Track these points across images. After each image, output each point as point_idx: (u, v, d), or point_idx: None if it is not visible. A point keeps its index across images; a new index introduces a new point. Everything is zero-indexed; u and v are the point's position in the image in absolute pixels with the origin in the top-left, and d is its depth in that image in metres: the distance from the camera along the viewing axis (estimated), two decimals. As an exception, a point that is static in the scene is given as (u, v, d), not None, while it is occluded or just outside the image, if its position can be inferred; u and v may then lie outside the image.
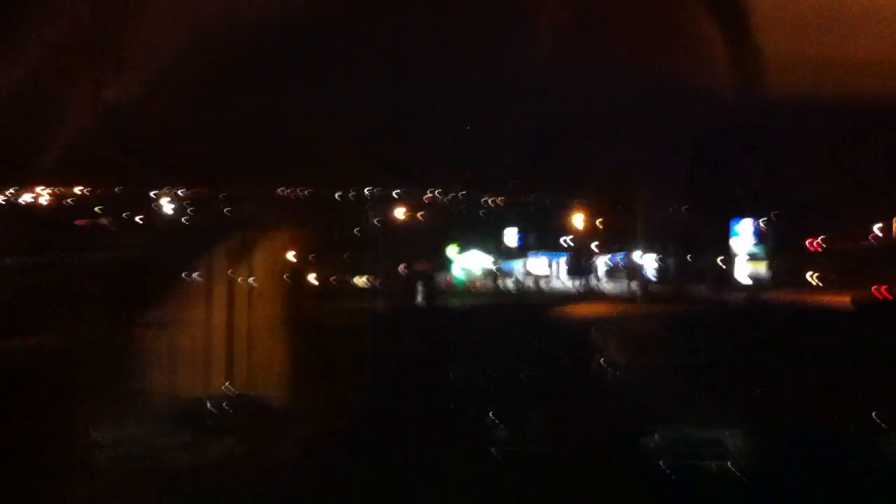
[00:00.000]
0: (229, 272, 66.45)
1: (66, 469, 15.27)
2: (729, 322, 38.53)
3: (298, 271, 70.90)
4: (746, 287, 62.86)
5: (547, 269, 75.82)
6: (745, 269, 67.28)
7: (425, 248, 74.90)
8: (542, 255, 77.09)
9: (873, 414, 14.36)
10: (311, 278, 67.25)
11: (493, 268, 71.70)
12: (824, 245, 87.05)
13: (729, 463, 14.25)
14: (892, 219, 79.53)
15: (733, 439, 14.44)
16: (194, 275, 66.82)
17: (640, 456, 14.59)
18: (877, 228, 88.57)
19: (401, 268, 70.39)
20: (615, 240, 75.04)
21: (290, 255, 78.92)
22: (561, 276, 74.59)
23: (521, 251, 77.42)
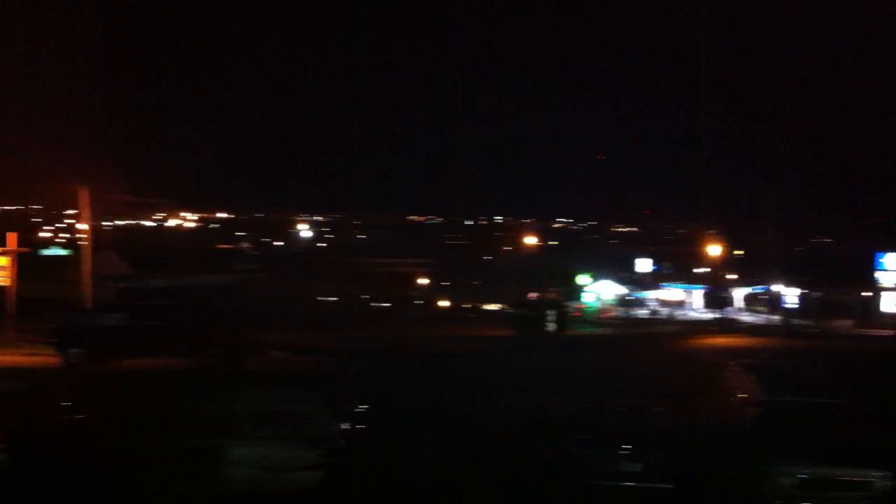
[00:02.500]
0: (362, 296, 67.05)
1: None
2: (879, 360, 36.68)
3: (430, 296, 71.44)
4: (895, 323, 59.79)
5: (682, 299, 74.26)
6: (893, 304, 64.08)
7: (556, 275, 74.67)
8: (676, 285, 75.60)
9: None
10: (443, 303, 67.91)
11: (626, 297, 70.72)
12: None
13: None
14: None
15: (882, 482, 13.70)
16: (330, 298, 67.74)
17: (777, 496, 14.01)
18: None
19: (532, 295, 70.31)
20: (754, 271, 72.91)
21: (423, 280, 79.37)
22: (697, 306, 72.92)
23: (655, 280, 76.14)
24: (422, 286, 77.58)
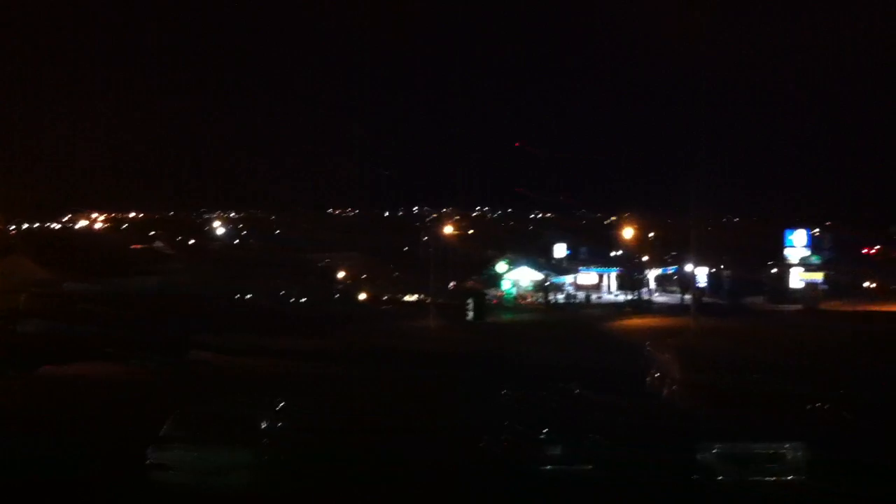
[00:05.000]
0: (281, 293, 66.22)
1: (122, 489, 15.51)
2: (787, 334, 37.87)
3: (349, 290, 70.96)
4: (804, 298, 61.84)
5: (597, 282, 75.45)
6: (800, 279, 66.26)
7: (475, 264, 75.00)
8: (592, 269, 76.79)
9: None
10: (362, 297, 67.53)
11: (543, 282, 71.54)
12: (884, 253, 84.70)
13: (789, 477, 13.99)
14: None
15: (794, 453, 14.18)
16: (247, 296, 66.70)
17: (698, 471, 14.38)
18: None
19: (451, 285, 70.52)
20: (666, 252, 74.50)
21: (341, 275, 78.70)
22: (612, 289, 74.17)
23: (571, 265, 77.20)
24: (341, 280, 77.17)
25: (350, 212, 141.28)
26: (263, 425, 17.41)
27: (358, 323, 48.64)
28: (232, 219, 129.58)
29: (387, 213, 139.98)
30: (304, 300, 64.10)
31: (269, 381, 26.20)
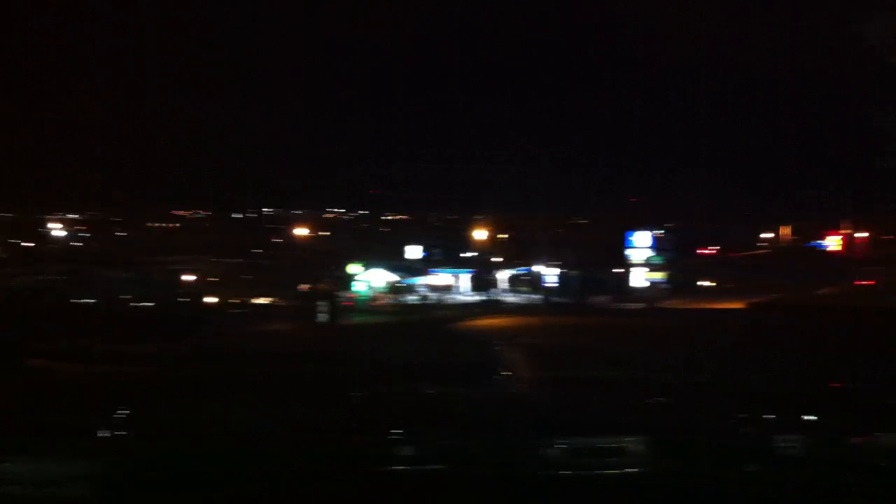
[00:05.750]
0: (124, 297, 63.87)
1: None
2: (633, 331, 39.31)
3: (197, 293, 69.06)
4: (647, 296, 64.36)
5: (450, 283, 76.19)
6: (644, 278, 68.94)
7: (327, 265, 74.33)
8: (445, 270, 77.48)
9: (764, 416, 14.74)
10: (211, 300, 65.88)
11: (397, 283, 71.63)
12: (719, 253, 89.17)
13: (629, 470, 14.40)
14: (781, 226, 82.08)
15: (635, 447, 14.60)
16: (88, 301, 64.01)
17: (544, 466, 14.62)
18: (766, 236, 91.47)
19: (304, 287, 69.62)
20: (517, 253, 76.00)
21: (189, 278, 76.50)
22: (464, 289, 75.04)
23: (425, 266, 77.66)
24: (188, 283, 74.88)
25: (198, 212, 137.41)
26: (103, 434, 16.70)
27: (206, 326, 47.41)
28: (72, 220, 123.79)
29: (237, 214, 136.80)
30: (149, 304, 61.92)
31: (109, 388, 25.13)
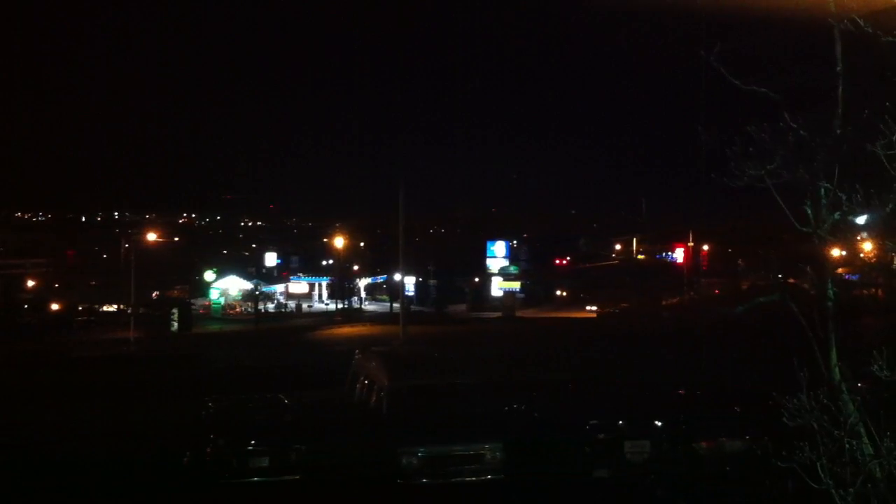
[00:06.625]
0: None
1: None
2: (490, 339, 39.84)
3: (39, 300, 65.79)
4: (502, 306, 65.39)
5: (309, 291, 75.34)
6: (500, 288, 70.02)
7: (181, 272, 72.15)
8: (303, 277, 76.56)
9: (620, 422, 15.13)
10: (55, 307, 62.83)
11: (253, 291, 70.27)
12: (570, 264, 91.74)
13: (487, 477, 14.51)
14: (632, 239, 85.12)
15: (492, 453, 14.73)
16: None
17: (402, 475, 14.56)
18: (618, 248, 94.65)
19: (155, 294, 67.25)
20: (377, 261, 75.94)
21: (31, 284, 72.77)
22: (323, 298, 74.36)
23: (282, 274, 76.52)
24: (30, 289, 71.26)
25: (41, 215, 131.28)
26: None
27: (51, 334, 45.29)
28: None
29: (84, 218, 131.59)
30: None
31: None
